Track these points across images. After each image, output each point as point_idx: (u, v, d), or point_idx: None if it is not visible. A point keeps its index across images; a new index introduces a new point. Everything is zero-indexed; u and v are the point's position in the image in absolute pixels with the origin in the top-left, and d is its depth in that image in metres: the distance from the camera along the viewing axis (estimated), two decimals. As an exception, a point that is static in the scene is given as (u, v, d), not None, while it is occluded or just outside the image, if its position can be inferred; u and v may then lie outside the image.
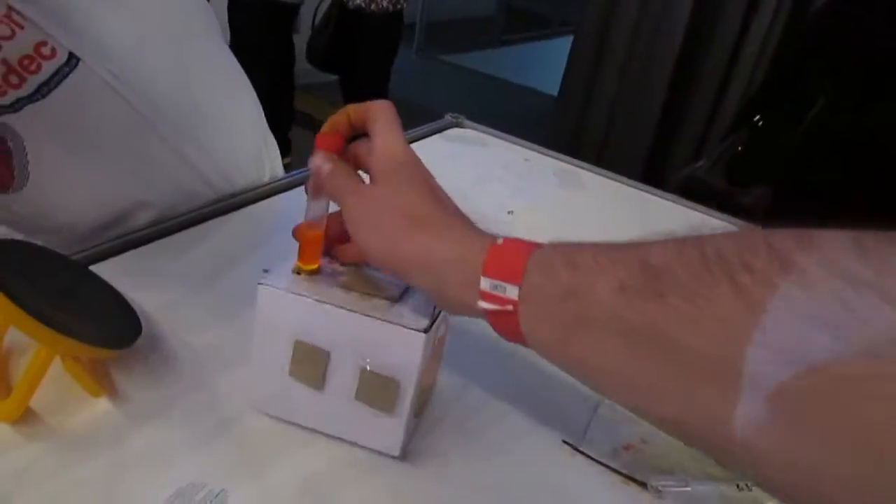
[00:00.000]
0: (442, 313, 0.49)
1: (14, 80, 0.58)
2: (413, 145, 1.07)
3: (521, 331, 0.39)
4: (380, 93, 2.76)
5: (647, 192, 1.05)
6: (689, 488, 0.52)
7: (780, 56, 2.28)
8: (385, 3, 2.48)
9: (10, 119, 0.60)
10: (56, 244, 0.72)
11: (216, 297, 0.64)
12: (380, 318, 0.45)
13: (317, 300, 0.46)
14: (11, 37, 0.56)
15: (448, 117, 1.18)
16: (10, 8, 0.56)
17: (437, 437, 0.53)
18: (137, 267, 0.67)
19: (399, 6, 2.53)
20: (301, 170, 0.93)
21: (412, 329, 0.45)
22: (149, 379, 0.53)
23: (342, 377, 0.48)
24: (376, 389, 0.47)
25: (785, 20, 2.46)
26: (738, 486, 0.54)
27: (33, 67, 0.59)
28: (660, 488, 0.52)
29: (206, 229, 0.76)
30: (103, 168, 0.70)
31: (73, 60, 0.61)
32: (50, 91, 0.60)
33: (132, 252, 0.69)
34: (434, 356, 0.52)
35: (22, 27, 0.57)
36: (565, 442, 0.55)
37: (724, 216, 1.01)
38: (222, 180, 0.80)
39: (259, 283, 0.47)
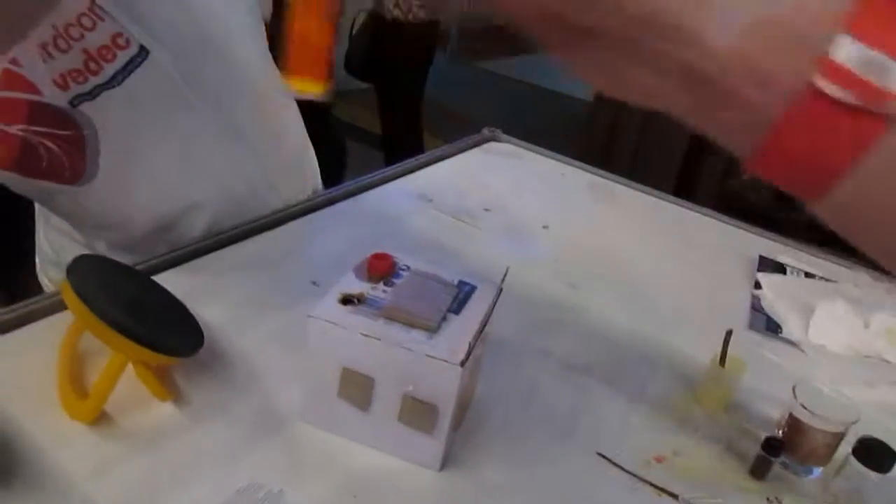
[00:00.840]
0: (479, 340, 0.52)
1: (93, 66, 0.64)
2: (452, 159, 1.11)
3: (868, 152, 0.23)
4: (415, 101, 2.80)
5: (680, 205, 1.07)
6: (720, 500, 0.54)
7: None
8: (422, 14, 2.52)
9: (87, 108, 0.66)
10: (115, 243, 0.77)
11: (268, 307, 0.68)
12: (419, 352, 0.49)
13: (361, 334, 0.50)
14: (93, 28, 0.63)
15: (485, 131, 1.21)
16: (93, 2, 0.63)
17: (474, 447, 0.56)
18: (194, 278, 0.71)
19: (435, 17, 2.57)
20: (343, 185, 0.97)
21: (449, 363, 0.48)
22: (209, 383, 0.57)
23: (386, 400, 0.51)
24: (417, 413, 0.51)
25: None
26: (767, 499, 0.55)
27: (109, 56, 0.65)
28: (691, 501, 0.54)
29: (256, 242, 0.80)
30: (164, 164, 0.75)
31: (143, 52, 0.67)
32: (123, 80, 0.66)
33: (189, 264, 0.74)
34: (472, 377, 0.55)
35: (103, 20, 0.64)
36: (599, 454, 0.57)
37: (761, 231, 1.02)
38: (266, 184, 0.84)
39: (309, 316, 0.50)
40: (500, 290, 0.57)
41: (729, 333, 0.63)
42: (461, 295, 0.56)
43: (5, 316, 0.60)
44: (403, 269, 0.57)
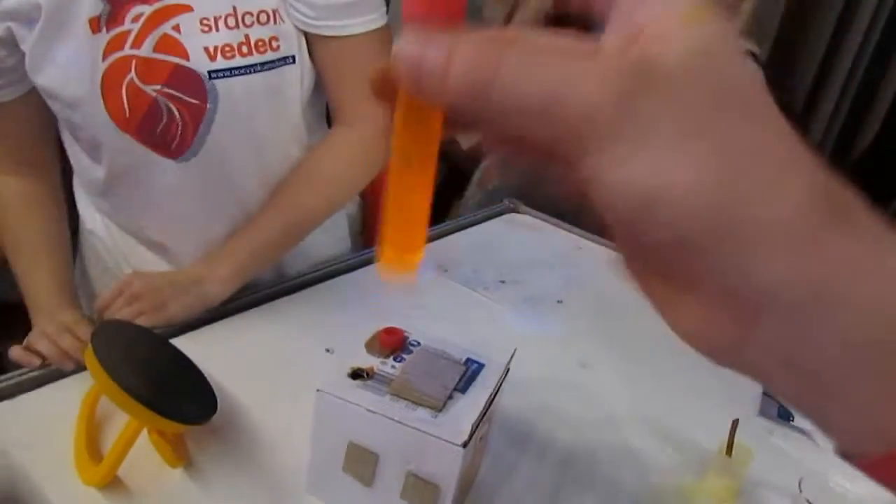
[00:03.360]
0: (484, 420, 0.52)
1: (245, 50, 0.72)
2: (471, 229, 1.13)
3: None
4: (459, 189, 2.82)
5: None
6: None
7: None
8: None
9: (221, 84, 0.72)
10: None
11: (282, 373, 0.70)
12: (423, 431, 0.50)
13: (368, 410, 0.51)
14: (266, 23, 0.72)
15: (506, 202, 1.24)
16: (277, 9, 0.72)
17: (478, 526, 0.56)
18: (211, 342, 0.74)
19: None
20: (361, 252, 1.00)
21: (452, 443, 0.49)
22: (220, 450, 0.59)
23: (389, 477, 0.52)
24: (419, 492, 0.51)
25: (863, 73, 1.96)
26: None
27: (262, 49, 0.73)
28: None
29: (272, 308, 0.82)
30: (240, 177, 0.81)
31: (289, 58, 0.75)
32: (262, 70, 0.74)
33: (206, 328, 0.76)
34: (475, 457, 0.56)
35: (276, 23, 0.72)
36: (601, 539, 0.57)
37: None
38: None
39: (318, 390, 0.52)
40: (507, 370, 0.58)
41: (735, 423, 0.63)
42: (469, 373, 0.57)
43: (24, 376, 0.62)
44: (414, 345, 0.59)
